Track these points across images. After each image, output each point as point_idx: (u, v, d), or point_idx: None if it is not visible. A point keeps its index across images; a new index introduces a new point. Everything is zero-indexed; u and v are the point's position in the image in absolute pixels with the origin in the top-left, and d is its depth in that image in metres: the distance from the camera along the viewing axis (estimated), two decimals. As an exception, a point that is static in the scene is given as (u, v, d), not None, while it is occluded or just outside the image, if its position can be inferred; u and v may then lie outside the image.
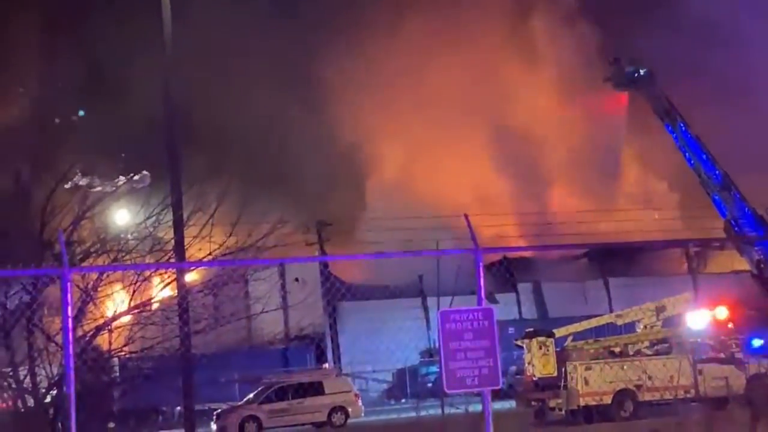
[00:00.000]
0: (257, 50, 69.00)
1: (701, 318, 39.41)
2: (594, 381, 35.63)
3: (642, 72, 72.10)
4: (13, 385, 18.34)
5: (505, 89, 70.91)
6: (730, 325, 44.35)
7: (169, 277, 20.70)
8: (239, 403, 44.10)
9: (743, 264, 66.38)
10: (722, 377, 36.43)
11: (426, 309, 63.18)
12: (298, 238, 53.95)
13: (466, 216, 14.37)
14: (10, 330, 18.41)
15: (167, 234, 22.04)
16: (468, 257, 13.96)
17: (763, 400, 29.89)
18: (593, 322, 41.62)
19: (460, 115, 69.19)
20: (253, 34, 69.34)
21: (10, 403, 18.47)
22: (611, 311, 50.64)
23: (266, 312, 22.52)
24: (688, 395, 35.89)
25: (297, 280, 54.85)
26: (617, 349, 37.78)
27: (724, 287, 59.49)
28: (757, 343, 42.79)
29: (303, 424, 42.93)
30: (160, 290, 20.50)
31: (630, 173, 78.32)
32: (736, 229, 63.64)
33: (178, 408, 37.05)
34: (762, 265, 63.02)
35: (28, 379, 18.41)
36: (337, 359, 62.17)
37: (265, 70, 69.14)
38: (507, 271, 56.72)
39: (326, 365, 58.19)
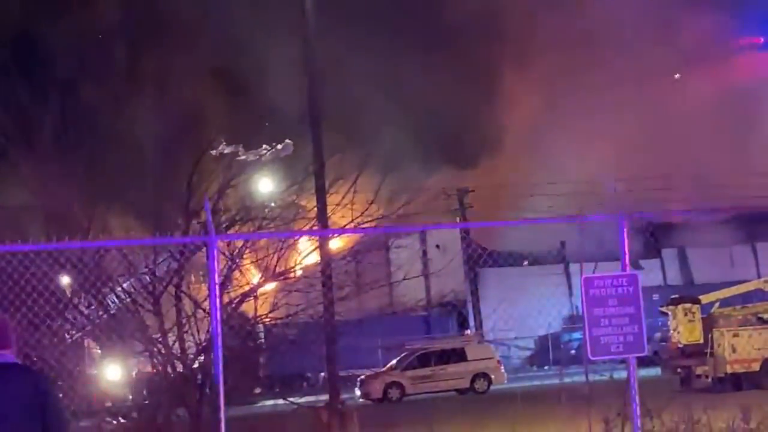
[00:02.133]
0: (404, 22, 69.18)
1: None
2: (742, 348, 35.04)
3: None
4: (163, 351, 18.72)
5: (644, 55, 69.83)
6: None
7: (312, 244, 20.90)
8: (382, 370, 44.50)
9: None
10: None
11: (568, 275, 62.84)
12: (440, 204, 54.18)
13: (609, 182, 14.23)
14: (159, 297, 18.78)
15: (310, 202, 22.25)
16: (613, 222, 13.81)
17: None
18: (740, 288, 40.92)
19: (599, 79, 68.44)
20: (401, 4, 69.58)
21: (160, 368, 18.87)
22: (759, 276, 49.68)
23: (408, 279, 22.59)
24: (839, 363, 35.11)
25: (438, 246, 55.01)
26: (766, 316, 37.08)
27: None
28: None
29: (446, 391, 43.11)
30: (304, 257, 20.71)
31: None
32: None
33: (322, 374, 37.44)
34: None
35: (176, 345, 18.78)
36: (478, 326, 62.23)
37: (409, 40, 69.26)
38: (651, 236, 56.05)
39: (468, 332, 58.37)
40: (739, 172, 62.70)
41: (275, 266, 19.64)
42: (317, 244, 20.97)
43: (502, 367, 44.98)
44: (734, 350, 35.06)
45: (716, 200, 51.02)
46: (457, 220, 59.40)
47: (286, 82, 46.98)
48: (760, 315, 37.09)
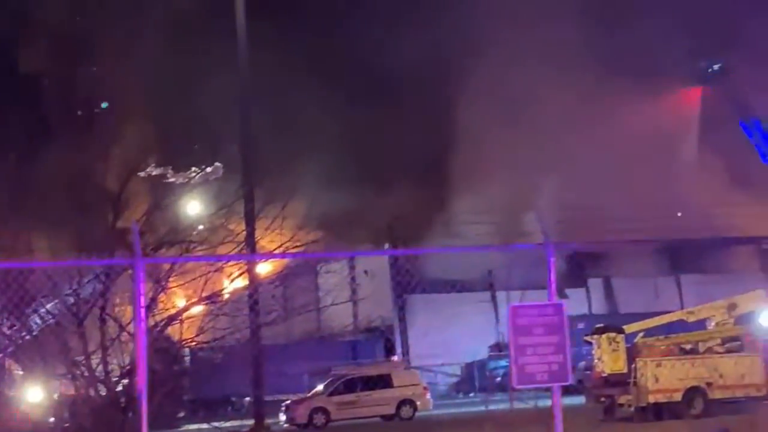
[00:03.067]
0: (335, 45, 69.29)
1: (775, 316, 38.98)
2: (664, 378, 35.31)
3: (716, 67, 71.55)
4: (86, 374, 18.54)
5: (581, 87, 70.50)
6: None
7: (240, 268, 20.84)
8: (308, 395, 44.31)
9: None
10: (795, 376, 36.00)
11: (495, 303, 63.11)
12: (368, 231, 54.20)
13: (537, 211, 14.35)
14: (83, 319, 18.61)
15: (239, 226, 22.19)
16: (539, 251, 13.90)
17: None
18: (664, 319, 41.26)
19: (534, 111, 68.96)
20: (334, 28, 69.70)
21: (83, 391, 18.68)
22: (682, 308, 50.18)
23: (336, 304, 22.57)
24: (759, 394, 35.49)
25: (366, 272, 55.00)
26: (688, 346, 37.41)
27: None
28: None
29: (371, 417, 43.02)
30: (231, 281, 20.64)
31: (704, 169, 77.65)
32: (811, 226, 62.89)
33: (248, 398, 37.31)
34: (838, 263, 62.28)
35: (100, 368, 18.60)
36: (405, 352, 62.23)
37: (341, 64, 69.38)
38: (577, 266, 56.52)
39: (395, 358, 58.30)
40: (665, 205, 63.56)
41: (202, 290, 19.55)
42: (245, 268, 20.90)
43: (428, 394, 44.91)
44: (657, 380, 35.32)
45: (642, 232, 51.57)
46: (386, 246, 59.47)
47: (218, 105, 46.85)
48: (682, 345, 37.43)
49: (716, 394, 35.36)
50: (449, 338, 52.79)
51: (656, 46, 71.68)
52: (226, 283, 20.44)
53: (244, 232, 21.98)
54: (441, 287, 59.97)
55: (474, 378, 57.34)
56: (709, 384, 35.39)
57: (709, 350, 37.18)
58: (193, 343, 20.39)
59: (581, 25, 69.57)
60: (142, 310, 13.00)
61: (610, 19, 71.04)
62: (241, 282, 21.17)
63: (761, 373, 35.47)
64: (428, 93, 70.87)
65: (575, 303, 60.61)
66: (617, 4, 71.48)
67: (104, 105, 68.72)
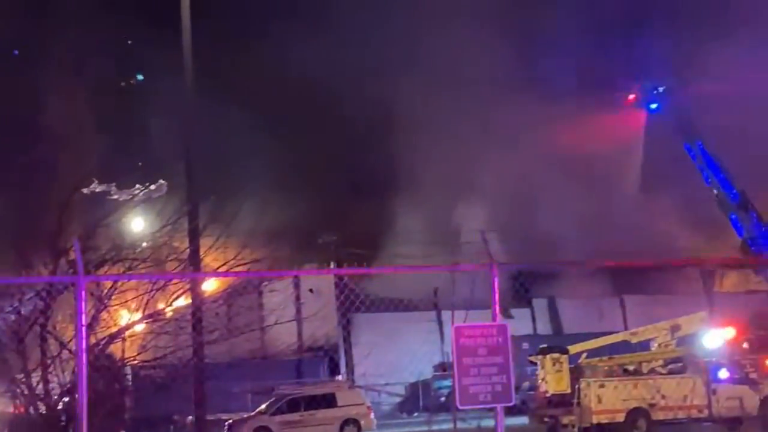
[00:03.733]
0: (279, 62, 69.28)
1: (716, 337, 39.29)
2: (607, 399, 35.48)
3: (661, 89, 72.18)
4: (26, 392, 18.34)
5: (524, 107, 70.88)
6: (745, 345, 44.22)
7: (183, 286, 20.70)
8: (251, 414, 44.03)
9: (760, 283, 66.21)
10: (736, 397, 36.26)
11: (440, 322, 63.13)
12: (315, 250, 54.07)
13: (482, 232, 14.36)
14: (24, 336, 18.41)
15: (182, 243, 22.05)
16: (484, 271, 13.91)
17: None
18: (608, 340, 41.48)
19: (477, 130, 69.26)
20: (279, 47, 69.69)
21: (22, 409, 18.47)
22: (626, 328, 50.47)
23: (280, 323, 22.48)
24: (702, 415, 35.73)
25: (311, 291, 54.84)
26: (631, 367, 37.63)
27: (739, 306, 59.39)
28: None
29: (315, 436, 42.83)
30: (174, 299, 20.49)
31: (647, 191, 78.23)
32: (752, 248, 63.52)
33: (190, 417, 36.93)
34: (778, 285, 62.92)
35: (40, 386, 18.40)
36: (350, 371, 62.11)
37: (281, 81, 69.34)
38: (522, 287, 56.65)
39: (339, 377, 58.16)
40: (609, 226, 63.95)
41: (145, 308, 19.40)
42: (188, 286, 20.76)
43: (372, 414, 44.82)
44: (600, 401, 35.49)
45: (586, 253, 51.83)
46: (332, 265, 59.39)
47: (162, 122, 46.66)
48: (625, 366, 37.63)
49: (659, 415, 35.58)
50: (394, 357, 52.73)
51: (601, 67, 72.27)
52: (168, 300, 20.28)
53: (188, 250, 21.84)
54: (386, 306, 60.00)
55: (418, 397, 57.32)
56: (651, 405, 35.61)
57: (652, 371, 37.42)
58: (135, 362, 20.21)
59: (524, 44, 70.05)
60: (84, 328, 12.86)
61: (554, 39, 71.56)
62: (184, 300, 21.03)
63: (703, 395, 35.73)
64: (373, 113, 71.06)
65: (520, 323, 60.88)
66: (562, 24, 72.00)
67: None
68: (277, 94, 69.58)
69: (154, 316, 19.80)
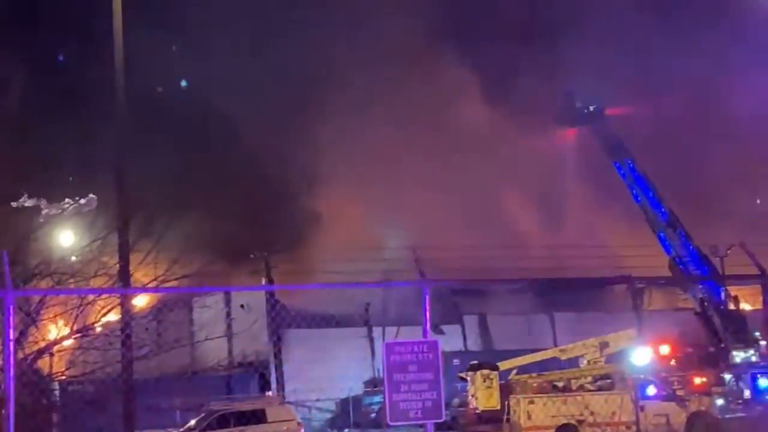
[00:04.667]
0: (211, 78, 69.15)
1: (644, 354, 39.71)
2: (537, 415, 35.74)
3: (591, 108, 72.81)
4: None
5: (454, 124, 71.28)
6: (672, 363, 44.73)
7: (113, 301, 20.56)
8: (180, 430, 43.72)
9: (687, 301, 66.89)
10: (663, 414, 36.67)
11: (372, 339, 63.12)
12: (245, 266, 53.87)
13: (414, 249, 14.43)
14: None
15: (112, 258, 21.90)
16: (415, 288, 13.97)
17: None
18: (537, 356, 41.78)
19: (409, 149, 69.50)
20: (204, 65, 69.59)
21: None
22: (556, 345, 50.81)
23: (210, 339, 22.40)
24: (630, 431, 36.06)
25: (243, 306, 54.60)
26: (560, 384, 37.94)
27: (667, 324, 60.00)
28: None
29: (244, 452, 42.59)
30: (104, 315, 20.35)
31: (577, 208, 78.87)
32: (680, 266, 64.14)
33: (119, 433, 36.68)
34: (705, 303, 63.50)
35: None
36: (280, 387, 61.86)
37: (213, 97, 69.23)
38: (453, 303, 56.86)
39: (269, 393, 57.88)
40: (541, 243, 64.36)
41: (74, 323, 19.24)
42: (118, 301, 20.62)
43: (303, 429, 44.67)
44: (529, 417, 35.74)
45: (517, 270, 52.12)
46: (263, 281, 59.19)
47: (93, 134, 46.27)
48: (555, 383, 37.93)
49: (587, 432, 35.89)
50: (325, 374, 52.64)
51: (531, 85, 72.89)
52: (98, 315, 20.14)
53: (118, 265, 21.70)
54: (318, 322, 59.87)
55: (349, 414, 57.25)
56: (580, 421, 35.92)
57: (581, 388, 37.75)
58: (64, 377, 20.03)
59: (454, 59, 70.45)
60: (12, 343, 12.75)
61: (483, 54, 72.09)
62: (114, 315, 20.89)
63: (631, 411, 36.07)
64: (301, 127, 71.23)
65: (451, 339, 61.02)
66: (491, 40, 72.57)
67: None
68: (208, 106, 69.44)
69: (83, 331, 19.64)
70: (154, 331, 21.65)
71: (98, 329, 20.40)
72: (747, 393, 47.95)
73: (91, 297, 19.51)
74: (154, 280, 20.32)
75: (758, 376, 47.00)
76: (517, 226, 67.04)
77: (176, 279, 20.24)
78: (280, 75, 71.59)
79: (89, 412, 21.63)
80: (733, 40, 70.23)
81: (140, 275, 21.35)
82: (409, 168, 69.10)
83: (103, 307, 20.39)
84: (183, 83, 74.33)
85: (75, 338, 19.82)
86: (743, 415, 41.17)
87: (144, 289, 21.05)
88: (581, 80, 72.95)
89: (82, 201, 27.80)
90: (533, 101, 73.03)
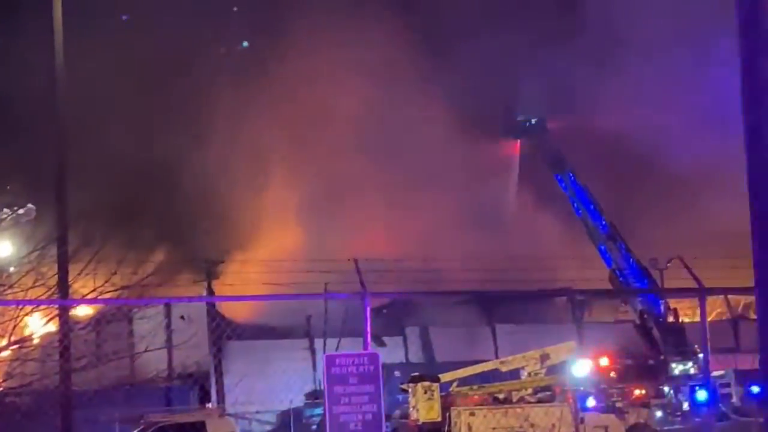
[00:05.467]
0: (149, 85, 68.74)
1: (584, 366, 39.93)
2: (477, 427, 35.79)
3: (533, 121, 73.31)
4: None
5: (396, 134, 71.38)
6: (612, 375, 45.00)
7: (51, 312, 20.36)
8: (119, 442, 43.40)
9: (627, 314, 67.39)
10: (602, 426, 36.85)
11: (313, 351, 62.98)
12: (186, 276, 53.61)
13: (355, 260, 14.40)
14: None
15: (51, 269, 21.67)
16: (357, 300, 13.93)
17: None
18: (478, 368, 41.86)
19: (351, 161, 69.54)
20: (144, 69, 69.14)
21: None
22: (497, 357, 50.94)
23: (150, 350, 22.25)
24: (570, 443, 36.24)
25: (183, 317, 54.30)
26: (501, 396, 38.02)
27: (607, 336, 60.39)
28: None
29: (184, 465, 42.32)
30: (42, 326, 20.15)
31: (519, 220, 79.23)
32: (620, 279, 64.63)
33: (57, 446, 36.37)
34: (644, 316, 64.01)
35: None
36: (221, 399, 61.52)
37: (154, 105, 68.86)
38: (394, 315, 56.89)
39: (210, 405, 57.55)
40: (481, 256, 64.52)
41: (11, 334, 19.04)
42: (57, 312, 20.41)
43: (243, 442, 44.55)
44: (470, 429, 35.78)
45: (458, 282, 52.26)
46: (204, 292, 58.91)
47: (32, 143, 45.85)
48: (495, 395, 38.02)
49: (527, 443, 35.99)
50: (265, 386, 52.47)
51: (473, 97, 73.21)
52: (36, 327, 19.94)
53: (56, 276, 21.47)
54: (259, 333, 59.66)
55: (289, 426, 57.05)
56: (520, 433, 36.00)
57: (522, 400, 37.84)
58: (0, 388, 19.80)
59: (393, 75, 70.61)
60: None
61: (424, 67, 72.30)
62: (53, 326, 20.68)
63: (570, 423, 36.23)
64: (239, 135, 71.13)
65: (393, 351, 61.05)
66: (430, 52, 72.80)
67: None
68: (151, 115, 69.06)
69: (20, 343, 19.43)
70: (93, 343, 21.46)
71: (36, 340, 20.18)
72: (686, 405, 48.41)
73: (28, 308, 19.30)
74: (93, 291, 20.14)
75: (697, 388, 47.41)
76: (460, 238, 67.14)
77: (116, 290, 20.09)
78: (216, 79, 71.45)
79: (26, 424, 21.40)
80: (674, 48, 70.95)
81: (79, 286, 21.15)
82: (353, 180, 69.10)
83: (41, 318, 20.20)
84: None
85: (12, 349, 19.60)
86: (681, 427, 41.53)
87: (83, 300, 20.85)
88: (523, 93, 73.44)
89: (21, 211, 27.54)
90: (476, 113, 73.32)
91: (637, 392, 45.02)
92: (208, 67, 71.72)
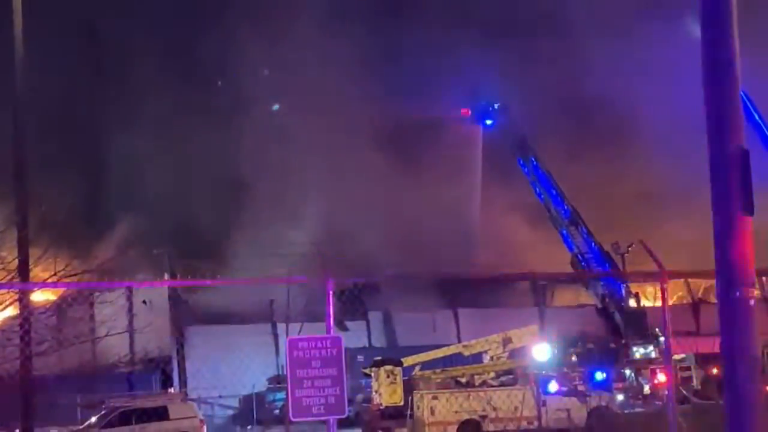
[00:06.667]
0: (115, 59, 68.50)
1: (545, 350, 40.11)
2: (440, 411, 35.86)
3: (496, 106, 73.46)
4: None
5: (361, 119, 71.34)
6: (574, 359, 45.22)
7: (11, 296, 20.22)
8: (80, 428, 43.21)
9: (589, 298, 67.81)
10: (565, 409, 37.01)
11: (276, 335, 62.93)
12: (147, 261, 53.40)
13: (317, 244, 14.40)
14: None
15: (10, 253, 21.51)
16: (319, 284, 13.91)
17: (604, 433, 30.45)
18: (440, 352, 42.00)
19: (315, 144, 69.50)
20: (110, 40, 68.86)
21: None
22: (459, 341, 51.10)
23: (111, 335, 22.15)
24: (532, 426, 36.36)
25: (145, 302, 54.14)
26: (464, 380, 38.15)
27: (569, 320, 60.69)
28: (600, 376, 43.82)
29: (146, 450, 42.25)
30: (1, 310, 20.01)
31: (482, 205, 79.41)
32: (582, 263, 65.00)
33: (17, 431, 36.17)
34: (606, 300, 64.43)
35: None
36: (183, 384, 61.39)
37: (122, 81, 68.56)
38: (357, 299, 56.86)
39: (172, 390, 57.42)
40: (444, 240, 64.67)
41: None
42: (17, 296, 20.26)
43: (205, 427, 44.37)
44: (433, 413, 35.86)
45: (421, 266, 52.38)
46: (165, 276, 58.67)
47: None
48: (458, 378, 38.14)
49: (490, 427, 36.12)
50: (228, 370, 52.32)
51: (434, 83, 73.29)
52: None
53: (16, 260, 21.30)
54: (221, 318, 59.54)
55: (252, 410, 56.99)
56: (483, 417, 36.12)
57: (484, 383, 37.98)
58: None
59: (354, 59, 70.55)
60: None
61: (384, 54, 72.28)
62: (13, 311, 20.54)
63: (533, 406, 36.39)
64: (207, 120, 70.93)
65: (355, 335, 61.03)
66: (391, 38, 72.78)
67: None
68: (120, 95, 68.73)
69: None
70: (54, 327, 21.33)
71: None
72: (647, 388, 48.75)
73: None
74: (54, 275, 20.01)
75: (657, 371, 47.77)
76: (422, 223, 67.24)
77: (77, 274, 19.96)
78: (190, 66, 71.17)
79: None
80: (642, 39, 71.17)
81: (39, 270, 21.01)
82: (315, 164, 69.04)
83: (0, 303, 20.05)
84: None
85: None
86: (642, 410, 41.78)
87: (43, 284, 20.71)
88: (487, 78, 73.53)
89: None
90: (438, 97, 73.41)
91: (598, 376, 45.30)
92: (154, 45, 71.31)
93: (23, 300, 20.52)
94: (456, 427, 35.92)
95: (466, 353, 41.68)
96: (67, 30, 65.48)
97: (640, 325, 60.67)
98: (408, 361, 39.04)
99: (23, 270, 21.32)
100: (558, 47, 73.73)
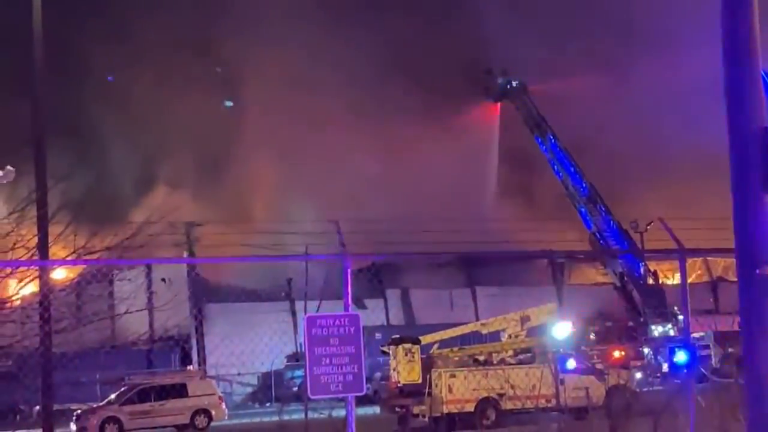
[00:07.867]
0: (133, 42, 68.54)
1: (567, 329, 40.05)
2: (458, 389, 35.86)
3: (514, 83, 73.18)
4: None
5: (380, 99, 71.23)
6: (592, 336, 45.15)
7: (31, 274, 20.26)
8: (100, 404, 43.45)
9: (607, 276, 67.65)
10: (583, 388, 36.93)
11: (294, 313, 63.09)
12: (166, 238, 53.44)
13: (335, 222, 14.37)
14: None
15: (30, 231, 21.57)
16: (338, 262, 13.92)
17: (622, 411, 30.38)
18: (458, 330, 41.97)
19: (335, 123, 69.47)
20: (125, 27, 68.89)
21: None
22: (477, 319, 51.09)
23: (131, 312, 22.19)
24: (549, 405, 36.27)
25: (164, 280, 54.32)
26: (482, 358, 38.11)
27: (587, 298, 60.60)
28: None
29: (165, 426, 42.47)
30: (21, 287, 20.06)
31: (500, 184, 79.28)
32: (600, 241, 64.83)
33: (37, 407, 36.36)
34: (624, 278, 64.26)
35: None
36: (202, 361, 61.65)
37: (137, 62, 68.65)
38: (375, 277, 56.90)
39: (190, 367, 57.70)
40: (463, 218, 64.59)
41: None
42: (37, 274, 20.31)
43: (224, 404, 44.60)
44: (450, 391, 35.85)
45: (439, 245, 52.32)
46: (184, 254, 58.81)
47: (9, 102, 45.62)
48: (476, 357, 38.11)
49: (508, 405, 36.04)
50: (246, 348, 52.50)
51: (453, 60, 73.10)
52: (15, 288, 19.86)
53: (36, 238, 21.36)
54: (239, 296, 59.68)
55: (270, 388, 57.22)
56: (501, 395, 36.07)
57: (502, 362, 37.95)
58: (-21, 351, 19.77)
59: (372, 36, 70.43)
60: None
61: (399, 32, 72.10)
62: (32, 288, 20.59)
63: (551, 385, 36.35)
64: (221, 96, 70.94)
65: (373, 313, 61.20)
66: (407, 17, 72.61)
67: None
68: (138, 72, 68.78)
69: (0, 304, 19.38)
70: (74, 305, 21.39)
71: (16, 302, 20.12)
72: (665, 366, 48.66)
73: (8, 269, 19.23)
74: (74, 252, 20.04)
75: (676, 349, 47.64)
76: (441, 200, 67.17)
77: (96, 252, 19.99)
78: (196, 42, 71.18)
79: (6, 386, 21.37)
80: (655, 18, 70.91)
81: (59, 248, 21.05)
82: (333, 142, 69.00)
83: (21, 280, 20.11)
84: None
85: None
86: (661, 388, 41.69)
87: (63, 261, 20.77)
88: (505, 55, 73.29)
89: (0, 172, 27.38)
90: (456, 75, 73.24)
91: (617, 354, 45.23)
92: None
93: (43, 277, 20.59)
94: (474, 404, 35.94)
95: (484, 331, 41.64)
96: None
97: (658, 303, 60.55)
98: (426, 339, 39.04)
99: (42, 248, 21.40)
100: (577, 24, 73.50)
